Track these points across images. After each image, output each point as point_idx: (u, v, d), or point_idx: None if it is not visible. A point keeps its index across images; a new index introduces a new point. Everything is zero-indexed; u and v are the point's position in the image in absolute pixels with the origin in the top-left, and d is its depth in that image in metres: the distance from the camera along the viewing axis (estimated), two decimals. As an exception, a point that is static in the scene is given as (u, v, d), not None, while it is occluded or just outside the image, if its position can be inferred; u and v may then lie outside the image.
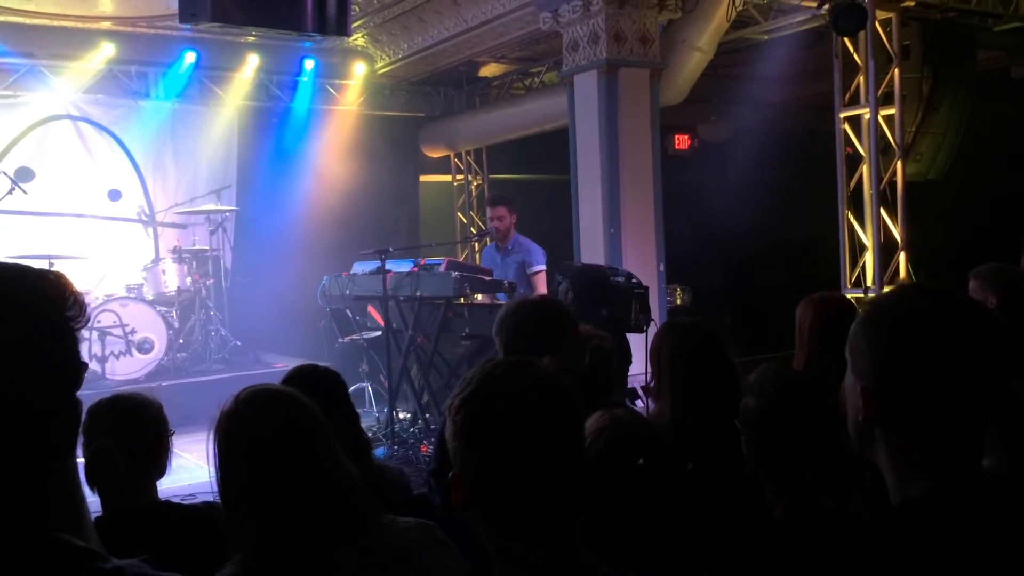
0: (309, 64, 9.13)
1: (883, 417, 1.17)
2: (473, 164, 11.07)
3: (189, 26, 8.26)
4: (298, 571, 1.63)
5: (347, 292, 6.16)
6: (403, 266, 5.93)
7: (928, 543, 1.07)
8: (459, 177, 11.19)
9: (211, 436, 1.65)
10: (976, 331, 1.16)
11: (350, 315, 6.55)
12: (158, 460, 2.21)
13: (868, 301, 1.31)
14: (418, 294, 5.60)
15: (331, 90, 9.63)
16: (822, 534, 1.69)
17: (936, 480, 1.13)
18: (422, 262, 5.86)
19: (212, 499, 2.34)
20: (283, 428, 1.67)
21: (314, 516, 1.64)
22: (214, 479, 1.71)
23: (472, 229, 10.71)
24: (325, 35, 5.02)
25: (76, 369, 0.94)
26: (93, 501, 2.19)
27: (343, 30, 5.08)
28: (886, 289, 6.56)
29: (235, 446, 1.64)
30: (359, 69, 9.50)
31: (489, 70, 10.40)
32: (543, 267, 6.35)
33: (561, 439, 1.17)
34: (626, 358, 3.74)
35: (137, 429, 2.18)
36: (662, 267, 7.13)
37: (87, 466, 2.13)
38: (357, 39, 9.10)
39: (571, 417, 1.20)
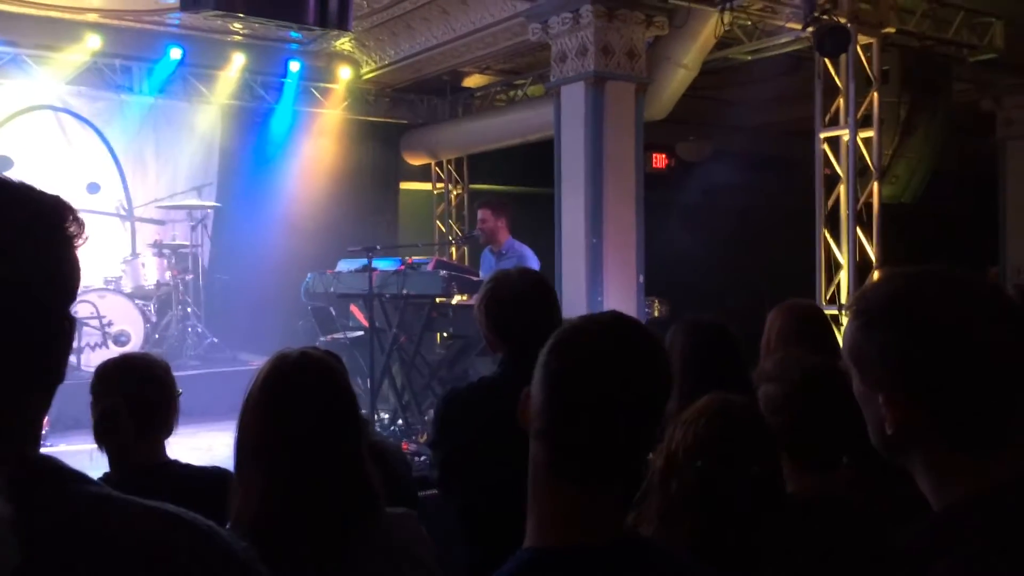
0: (294, 66, 9.15)
1: (917, 425, 1.07)
2: (454, 173, 11.13)
3: (177, 22, 8.28)
4: (294, 542, 1.60)
5: (331, 289, 6.16)
6: (387, 265, 5.94)
7: (986, 545, 1.00)
8: (439, 186, 11.24)
9: (249, 385, 1.65)
10: (1005, 311, 1.06)
11: (333, 313, 6.53)
12: (166, 419, 2.21)
13: (855, 298, 1.19)
14: (405, 292, 5.62)
15: (315, 93, 9.64)
16: (835, 514, 1.73)
17: (981, 479, 1.05)
18: (409, 260, 5.88)
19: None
20: (325, 394, 1.66)
21: (324, 491, 1.62)
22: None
23: (450, 237, 10.74)
24: (326, 28, 5.04)
25: (75, 284, 0.92)
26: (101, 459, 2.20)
27: (344, 24, 5.10)
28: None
29: (273, 397, 1.64)
30: (344, 73, 9.52)
31: (473, 81, 10.49)
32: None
33: (646, 401, 1.17)
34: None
35: (145, 389, 2.18)
36: (642, 278, 7.22)
37: (96, 424, 2.14)
38: (344, 43, 9.14)
39: (659, 381, 1.20)
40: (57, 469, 0.88)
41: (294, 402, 1.63)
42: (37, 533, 0.81)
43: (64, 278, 0.91)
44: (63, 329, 0.91)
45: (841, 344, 1.23)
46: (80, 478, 0.88)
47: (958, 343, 1.05)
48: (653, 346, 1.20)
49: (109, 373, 2.20)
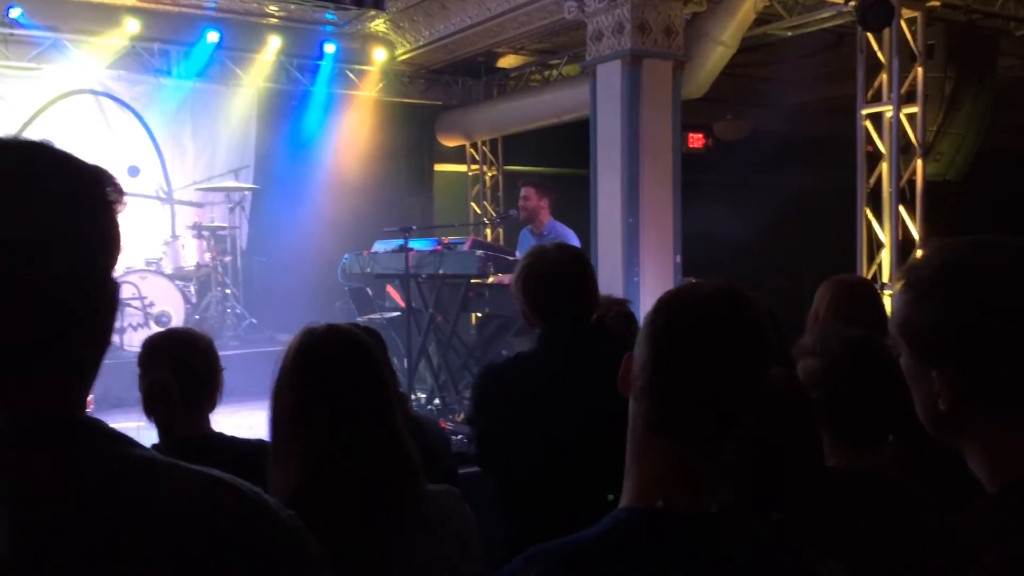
0: (330, 48, 9.17)
1: (971, 402, 1.02)
2: (488, 155, 11.11)
3: (213, 5, 8.34)
4: (332, 516, 1.58)
5: (368, 270, 6.19)
6: (423, 246, 5.95)
7: None
8: (474, 167, 11.23)
9: (279, 360, 1.66)
10: None
11: (370, 294, 6.56)
12: (211, 392, 2.24)
13: (905, 269, 1.13)
14: (441, 272, 5.62)
15: (351, 75, 9.66)
16: (876, 489, 1.70)
17: None
18: (445, 240, 5.88)
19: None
20: (355, 364, 1.66)
21: (361, 463, 1.61)
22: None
23: (484, 219, 10.74)
24: (361, 8, 5.04)
25: (116, 247, 0.94)
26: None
27: (379, 4, 5.10)
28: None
29: (303, 369, 1.64)
30: (379, 55, 9.53)
31: (507, 61, 10.44)
32: None
33: (747, 364, 1.14)
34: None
35: (190, 361, 2.22)
36: (679, 258, 7.16)
37: (144, 396, 2.17)
38: (379, 24, 9.14)
39: (762, 347, 1.16)
40: (102, 431, 0.89)
41: (324, 373, 1.64)
42: (80, 493, 0.82)
43: (105, 240, 0.92)
44: (106, 290, 0.93)
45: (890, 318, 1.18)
46: (125, 440, 0.89)
47: (1017, 314, 1.00)
48: (757, 313, 1.18)
49: (156, 346, 2.24)
